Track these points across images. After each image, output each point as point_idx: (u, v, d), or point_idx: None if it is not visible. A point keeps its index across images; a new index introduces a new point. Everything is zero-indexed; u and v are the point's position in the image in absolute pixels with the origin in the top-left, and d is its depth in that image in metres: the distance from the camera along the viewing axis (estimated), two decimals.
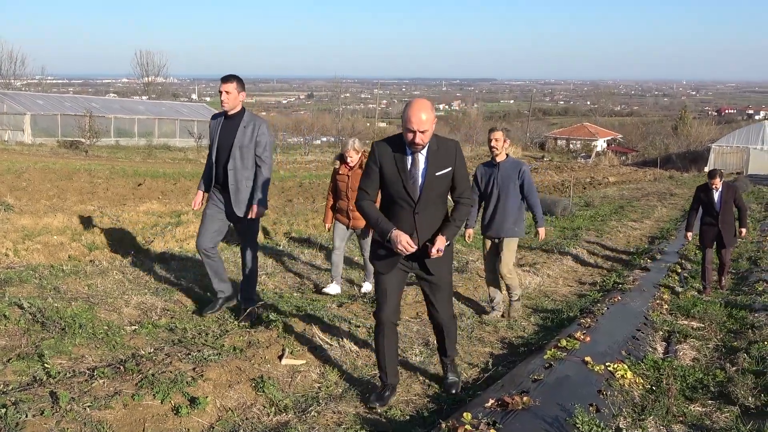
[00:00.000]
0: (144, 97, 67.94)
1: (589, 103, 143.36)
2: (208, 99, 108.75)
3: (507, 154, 6.81)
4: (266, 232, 11.31)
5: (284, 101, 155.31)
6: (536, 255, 10.74)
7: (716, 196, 9.07)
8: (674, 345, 6.37)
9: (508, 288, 7.11)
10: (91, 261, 7.64)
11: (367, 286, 7.50)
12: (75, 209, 12.25)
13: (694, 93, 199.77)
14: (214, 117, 5.96)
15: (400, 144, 4.16)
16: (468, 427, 3.44)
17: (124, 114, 45.23)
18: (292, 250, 9.45)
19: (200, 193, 6.07)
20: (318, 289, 7.48)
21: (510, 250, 6.91)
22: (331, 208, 7.46)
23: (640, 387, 4.97)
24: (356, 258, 8.98)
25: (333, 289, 7.38)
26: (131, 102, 54.00)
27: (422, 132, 4.00)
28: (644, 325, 6.79)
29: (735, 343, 6.41)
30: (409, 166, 4.15)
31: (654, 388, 4.99)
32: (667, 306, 7.84)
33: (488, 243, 7.04)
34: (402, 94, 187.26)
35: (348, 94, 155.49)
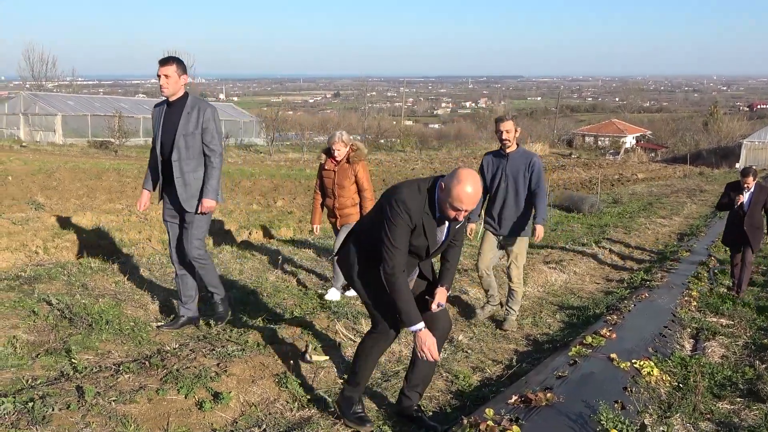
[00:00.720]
0: None
1: (617, 99, 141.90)
2: (235, 99, 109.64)
3: (517, 144, 6.26)
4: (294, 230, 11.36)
5: (311, 100, 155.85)
6: (563, 252, 10.65)
7: (746, 195, 8.40)
8: (702, 342, 6.28)
9: (511, 295, 6.51)
10: (118, 258, 7.73)
11: (333, 294, 6.70)
12: (104, 208, 12.41)
13: (725, 88, 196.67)
14: (157, 105, 5.32)
15: (429, 203, 3.69)
16: (490, 423, 3.42)
17: None
18: (320, 246, 9.47)
19: (145, 192, 5.50)
20: (320, 295, 6.89)
21: (523, 251, 6.40)
22: (321, 206, 6.84)
23: (667, 384, 4.91)
24: None
25: (332, 294, 6.71)
26: (156, 101, 54.47)
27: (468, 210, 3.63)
28: (672, 323, 6.70)
29: (765, 341, 6.31)
30: (437, 233, 3.82)
31: (681, 385, 4.92)
32: (695, 303, 7.74)
33: (491, 238, 6.42)
34: (428, 92, 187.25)
35: (374, 93, 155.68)
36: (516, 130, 6.16)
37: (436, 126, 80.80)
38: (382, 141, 55.23)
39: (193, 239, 5.26)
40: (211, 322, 5.49)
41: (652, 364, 5.03)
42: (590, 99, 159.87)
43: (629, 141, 62.44)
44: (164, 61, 5.13)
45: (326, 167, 6.65)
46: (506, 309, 6.54)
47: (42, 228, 9.48)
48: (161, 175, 5.26)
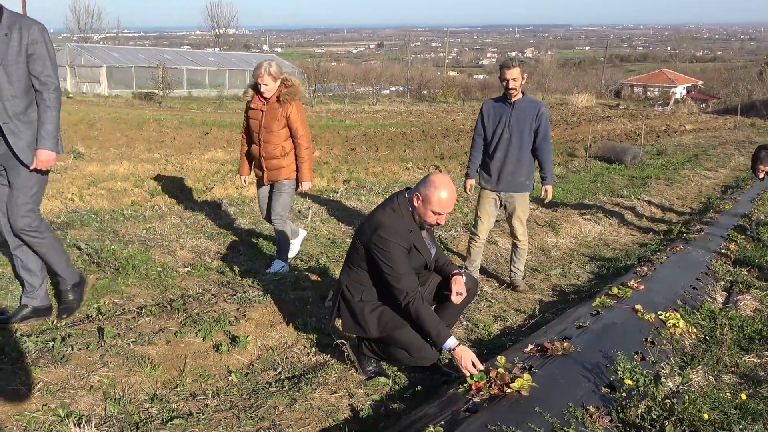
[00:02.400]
0: (216, 49, 68.74)
1: (669, 48, 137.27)
2: (279, 50, 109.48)
3: (523, 93, 5.66)
4: (326, 180, 11.37)
5: (354, 51, 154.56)
6: (600, 204, 10.46)
7: None
8: (735, 295, 6.12)
9: (518, 253, 6.05)
10: (151, 206, 7.85)
11: (278, 265, 5.79)
12: (142, 157, 12.58)
13: None
14: None
15: (409, 221, 3.72)
16: (501, 370, 3.39)
17: (195, 65, 45.94)
18: (349, 197, 9.47)
19: None
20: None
21: (525, 207, 5.92)
22: (248, 156, 5.83)
23: (693, 337, 4.81)
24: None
25: (277, 266, 5.79)
26: (202, 53, 54.73)
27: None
28: (705, 275, 6.54)
29: None
30: (427, 245, 3.86)
31: (707, 338, 4.82)
32: (732, 256, 7.53)
33: (489, 198, 5.86)
34: (473, 42, 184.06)
35: (418, 43, 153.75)
36: (523, 78, 5.56)
37: (481, 77, 79.49)
38: (425, 92, 54.65)
39: (20, 204, 3.90)
40: (57, 317, 4.28)
41: (678, 315, 4.92)
42: (641, 48, 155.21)
43: (679, 91, 60.57)
44: None
45: (252, 106, 5.57)
46: (514, 270, 6.12)
47: (79, 176, 9.66)
48: None
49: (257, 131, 5.51)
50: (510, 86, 5.54)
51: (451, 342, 3.56)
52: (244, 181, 5.99)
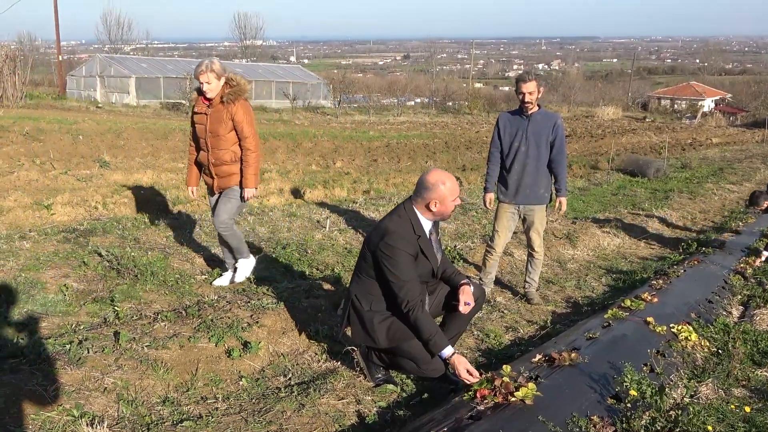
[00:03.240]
0: (243, 60, 69.44)
1: (698, 61, 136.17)
2: (305, 61, 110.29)
3: (539, 105, 5.68)
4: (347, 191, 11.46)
5: (380, 62, 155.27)
6: (620, 216, 10.42)
7: None
8: (752, 310, 6.08)
9: (534, 265, 6.06)
10: (172, 215, 7.99)
11: (243, 265, 5.55)
12: (166, 167, 12.78)
13: None
14: None
15: (418, 225, 3.80)
16: (505, 379, 3.42)
17: None
18: (368, 207, 9.55)
19: None
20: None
21: (543, 219, 5.92)
22: (197, 163, 5.47)
23: (705, 350, 4.79)
24: None
25: (223, 280, 5.58)
26: (229, 64, 55.20)
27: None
28: (722, 289, 6.51)
29: None
30: (434, 251, 3.92)
31: (720, 351, 4.79)
32: (751, 270, 7.47)
33: (508, 211, 5.85)
34: (500, 54, 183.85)
35: (444, 55, 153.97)
36: (539, 91, 5.57)
37: (506, 89, 79.33)
38: (450, 104, 54.67)
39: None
40: None
41: (691, 329, 4.91)
42: (669, 61, 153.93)
43: (707, 104, 59.95)
44: None
45: (197, 110, 5.22)
46: (529, 281, 6.13)
47: (104, 185, 9.85)
48: None
49: (203, 137, 5.19)
50: (526, 99, 5.56)
51: (447, 351, 3.63)
52: (192, 192, 5.60)
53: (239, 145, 5.20)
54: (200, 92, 5.14)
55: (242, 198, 5.32)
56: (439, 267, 3.98)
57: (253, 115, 5.27)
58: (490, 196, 5.99)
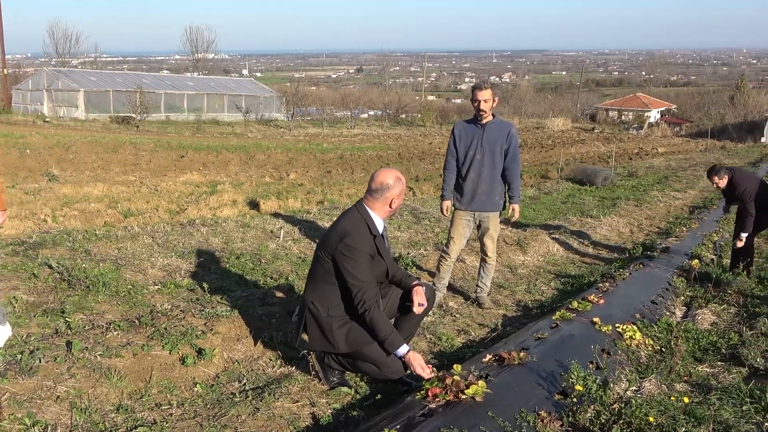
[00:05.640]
0: (195, 74, 68.81)
1: (644, 73, 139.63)
2: (258, 74, 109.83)
3: (493, 114, 5.77)
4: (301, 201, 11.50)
5: (334, 75, 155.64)
6: (569, 224, 10.67)
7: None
8: (694, 310, 6.31)
9: (486, 270, 6.17)
10: (124, 227, 7.92)
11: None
12: (116, 179, 12.64)
13: (754, 62, 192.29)
14: None
15: (373, 225, 3.88)
16: (456, 377, 3.51)
17: (174, 90, 45.92)
18: (322, 218, 9.59)
19: None
20: None
21: (497, 226, 6.07)
22: None
23: (649, 348, 4.97)
24: None
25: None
26: (180, 78, 54.76)
27: None
28: (666, 291, 6.73)
29: (758, 309, 6.31)
30: (388, 250, 4.05)
31: (663, 349, 4.98)
32: (694, 273, 7.73)
33: (463, 219, 5.97)
34: (452, 67, 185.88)
35: (397, 68, 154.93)
36: (494, 100, 5.66)
37: (459, 101, 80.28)
38: (403, 116, 55.11)
39: None
40: None
41: (635, 328, 5.09)
42: (616, 73, 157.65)
43: (654, 115, 61.60)
44: None
45: None
46: (480, 286, 6.23)
47: (53, 198, 9.71)
48: None
49: None
50: (481, 107, 5.63)
51: (402, 350, 3.73)
52: None
53: None
54: None
55: None
56: (391, 269, 4.07)
57: None
58: (447, 203, 6.01)
